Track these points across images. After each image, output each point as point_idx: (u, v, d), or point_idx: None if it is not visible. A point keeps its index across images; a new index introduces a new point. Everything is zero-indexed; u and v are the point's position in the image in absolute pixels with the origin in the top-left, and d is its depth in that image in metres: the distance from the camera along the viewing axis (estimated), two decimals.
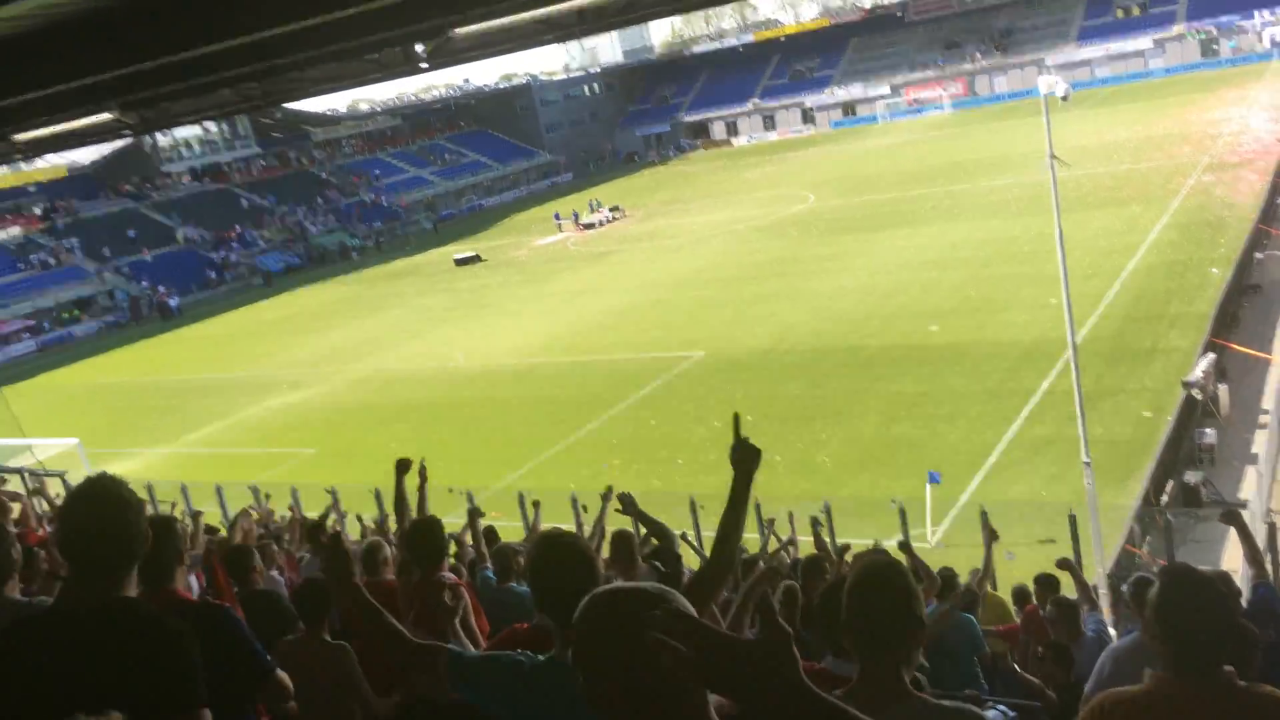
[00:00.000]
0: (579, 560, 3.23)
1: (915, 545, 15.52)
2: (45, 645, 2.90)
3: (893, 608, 2.87)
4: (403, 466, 6.51)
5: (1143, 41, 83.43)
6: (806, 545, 13.26)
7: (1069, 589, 9.61)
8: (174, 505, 17.55)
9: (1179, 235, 34.56)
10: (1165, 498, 18.08)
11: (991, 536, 10.16)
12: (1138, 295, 29.09)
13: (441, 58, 15.24)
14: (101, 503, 3.01)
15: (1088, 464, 16.08)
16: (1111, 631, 8.90)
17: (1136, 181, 44.50)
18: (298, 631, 5.45)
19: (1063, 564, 9.53)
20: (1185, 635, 3.07)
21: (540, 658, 3.12)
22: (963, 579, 10.45)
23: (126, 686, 2.72)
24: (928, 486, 18.06)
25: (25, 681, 2.91)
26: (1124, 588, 8.57)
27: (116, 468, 27.46)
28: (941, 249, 39.07)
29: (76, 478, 21.60)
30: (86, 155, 77.44)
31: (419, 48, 14.15)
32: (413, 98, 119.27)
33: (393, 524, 10.66)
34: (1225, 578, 5.45)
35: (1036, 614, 8.57)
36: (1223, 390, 21.27)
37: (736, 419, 3.50)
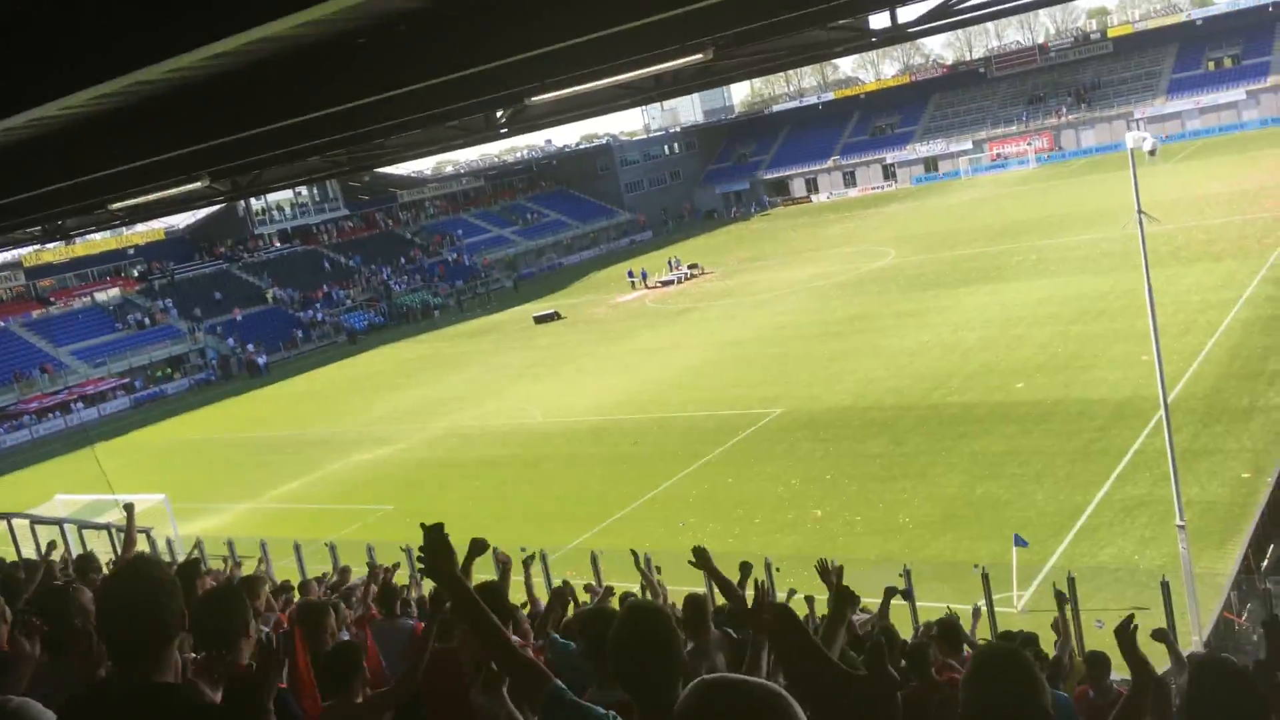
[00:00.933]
0: (667, 636, 3.04)
1: (1000, 611, 15.09)
2: None
3: (1015, 701, 2.64)
4: (477, 548, 6.37)
5: (1235, 93, 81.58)
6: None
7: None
8: (260, 562, 17.82)
9: (1277, 290, 33.44)
10: (1265, 563, 17.28)
11: (1062, 600, 9.78)
12: (1234, 352, 28.14)
13: (521, 123, 15.57)
14: (135, 586, 3.04)
15: (1181, 527, 15.49)
16: None
17: (1231, 235, 43.29)
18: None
19: (1158, 635, 9.03)
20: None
21: None
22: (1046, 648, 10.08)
23: None
24: (1013, 550, 17.54)
25: None
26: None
27: (201, 523, 28.20)
28: (1027, 305, 38.37)
29: (162, 533, 22.13)
30: (183, 219, 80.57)
31: (499, 114, 14.48)
32: (495, 159, 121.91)
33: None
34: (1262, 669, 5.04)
35: (1084, 697, 8.04)
36: None
37: (839, 573, 3.46)
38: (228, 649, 3.81)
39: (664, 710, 3.00)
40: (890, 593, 9.41)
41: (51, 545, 9.93)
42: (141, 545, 19.50)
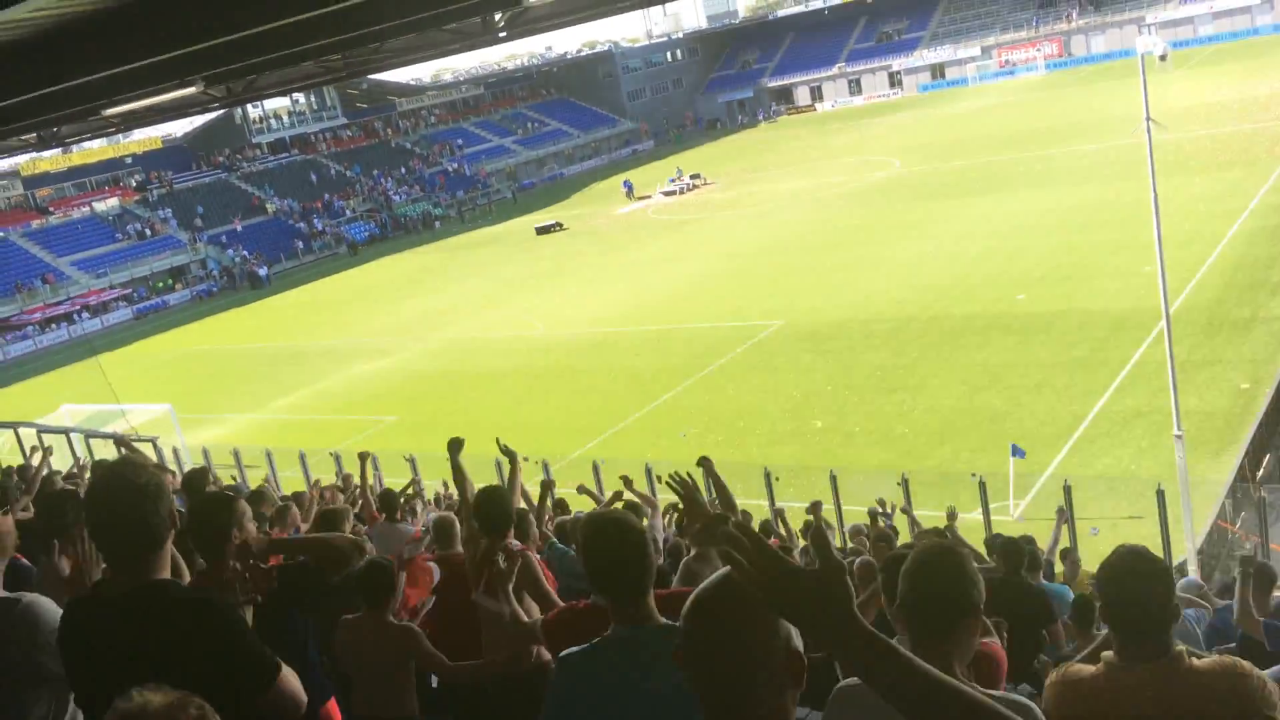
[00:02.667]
0: (631, 542, 3.14)
1: (997, 519, 15.27)
2: (92, 628, 2.98)
3: (946, 594, 2.77)
4: (455, 446, 6.48)
5: None
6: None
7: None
8: (265, 479, 18.03)
9: None
10: (1261, 472, 17.44)
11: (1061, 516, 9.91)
12: (1238, 262, 27.99)
13: (520, 26, 15.23)
14: (117, 493, 3.04)
15: (1179, 437, 15.56)
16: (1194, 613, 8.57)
17: (1240, 144, 42.70)
18: (360, 610, 5.51)
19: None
20: (1124, 618, 3.04)
21: (579, 648, 3.12)
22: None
23: (180, 667, 2.76)
24: (1011, 459, 17.68)
25: (82, 661, 3.02)
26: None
27: (206, 433, 28.46)
28: (1031, 215, 38.05)
29: (168, 443, 22.34)
30: (179, 128, 79.68)
31: (497, 17, 14.16)
32: (495, 67, 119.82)
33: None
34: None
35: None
36: None
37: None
38: (217, 554, 3.87)
39: (638, 614, 3.06)
40: (875, 512, 9.44)
41: (42, 451, 9.88)
42: (149, 454, 19.71)
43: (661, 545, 8.99)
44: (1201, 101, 53.45)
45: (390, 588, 5.49)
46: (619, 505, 9.47)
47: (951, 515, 11.86)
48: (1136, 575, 3.00)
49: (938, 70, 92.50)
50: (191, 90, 12.95)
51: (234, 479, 17.97)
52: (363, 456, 10.55)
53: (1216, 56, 72.09)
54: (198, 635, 2.92)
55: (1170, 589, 3.02)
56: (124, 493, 3.02)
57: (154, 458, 19.26)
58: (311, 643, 4.27)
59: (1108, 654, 3.08)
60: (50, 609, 3.47)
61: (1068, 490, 13.42)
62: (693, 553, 6.72)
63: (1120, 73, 69.47)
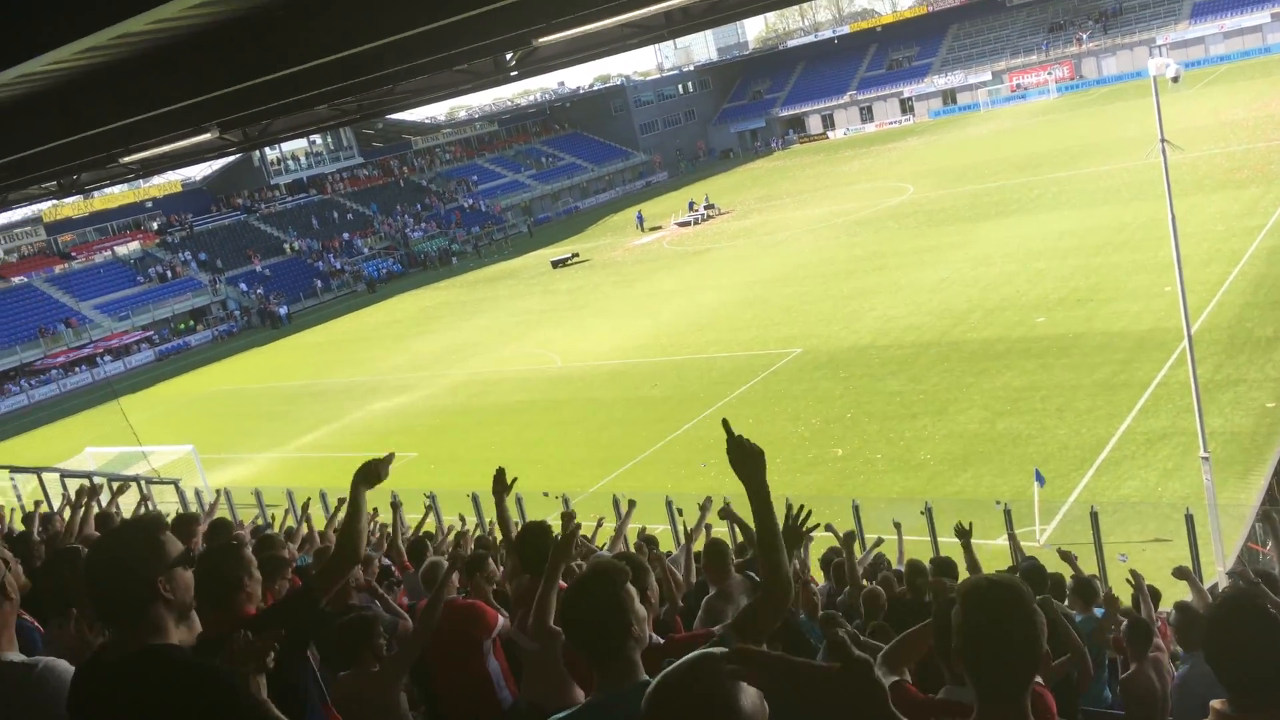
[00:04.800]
0: (602, 606, 3.03)
1: (1024, 545, 15.08)
2: (95, 695, 2.94)
3: (1012, 639, 2.51)
4: (501, 483, 6.31)
5: (1260, 16, 79.56)
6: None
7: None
8: (286, 513, 18.03)
9: None
10: None
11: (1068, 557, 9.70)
12: (1258, 281, 27.77)
13: (531, 65, 15.34)
14: (102, 551, 3.01)
15: (1206, 458, 15.40)
16: None
17: (1255, 162, 42.52)
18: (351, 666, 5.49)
19: (1179, 573, 8.90)
20: (1239, 669, 2.78)
21: (563, 714, 3.07)
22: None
23: None
24: (1035, 485, 17.51)
25: None
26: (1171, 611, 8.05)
27: (228, 473, 28.53)
28: (1047, 238, 37.93)
29: (191, 484, 22.42)
30: (198, 171, 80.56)
31: (508, 56, 14.26)
32: (509, 103, 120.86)
33: (497, 534, 10.78)
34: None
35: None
36: None
37: (725, 424, 3.20)
38: (225, 607, 3.83)
39: (616, 675, 2.99)
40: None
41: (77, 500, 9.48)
42: (170, 496, 19.79)
43: (679, 583, 8.90)
44: (1215, 121, 53.32)
45: (368, 640, 5.45)
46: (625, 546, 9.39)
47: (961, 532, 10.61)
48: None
49: (949, 96, 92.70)
50: (207, 136, 13.08)
51: (259, 519, 17.98)
52: (395, 505, 10.49)
53: (1229, 75, 72.01)
54: (196, 703, 2.87)
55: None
56: (108, 551, 2.99)
57: (176, 499, 19.36)
58: (315, 692, 4.20)
59: (1216, 703, 2.84)
60: (66, 674, 3.41)
61: (1094, 517, 13.28)
62: (714, 591, 6.68)
63: (1133, 94, 69.48)
